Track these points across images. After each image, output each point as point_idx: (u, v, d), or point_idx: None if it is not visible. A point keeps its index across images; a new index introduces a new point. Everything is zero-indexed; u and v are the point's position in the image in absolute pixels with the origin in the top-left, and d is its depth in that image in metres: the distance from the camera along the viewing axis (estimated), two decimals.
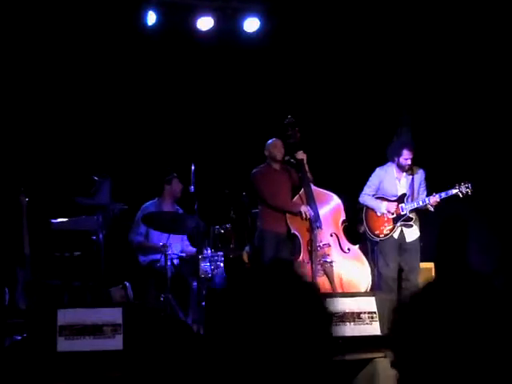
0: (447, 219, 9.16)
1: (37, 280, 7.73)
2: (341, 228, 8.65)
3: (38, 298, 7.56)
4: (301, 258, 8.45)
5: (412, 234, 8.41)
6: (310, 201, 8.51)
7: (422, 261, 8.54)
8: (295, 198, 8.69)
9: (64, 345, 6.08)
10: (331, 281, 8.28)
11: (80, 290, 8.09)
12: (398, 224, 8.37)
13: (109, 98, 9.67)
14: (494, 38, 9.32)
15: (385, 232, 8.44)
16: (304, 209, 8.43)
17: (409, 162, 8.35)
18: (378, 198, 8.52)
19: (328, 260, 8.34)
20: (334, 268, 8.34)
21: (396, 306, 2.06)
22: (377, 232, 8.51)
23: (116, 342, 6.12)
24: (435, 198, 8.20)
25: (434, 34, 9.59)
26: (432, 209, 8.30)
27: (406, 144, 8.41)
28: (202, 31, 9.31)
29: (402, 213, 8.34)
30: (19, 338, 6.72)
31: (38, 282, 7.73)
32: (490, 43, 9.35)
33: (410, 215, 8.35)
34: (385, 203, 8.42)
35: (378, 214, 8.46)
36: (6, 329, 6.58)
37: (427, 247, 8.70)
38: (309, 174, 8.63)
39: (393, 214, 8.36)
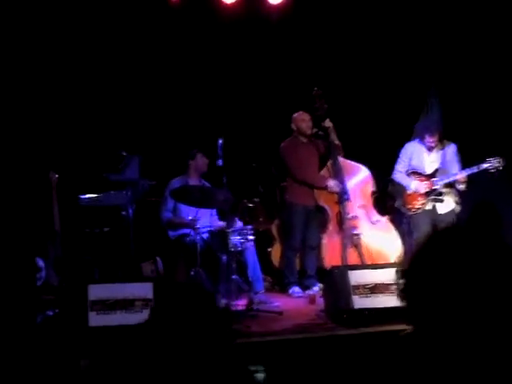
0: (478, 206, 9.04)
1: (67, 256, 7.78)
2: (370, 200, 8.63)
3: (68, 274, 7.61)
4: (329, 230, 8.44)
5: (444, 206, 8.36)
6: (338, 173, 8.49)
7: None
8: (323, 170, 8.68)
9: (96, 320, 6.14)
10: (360, 253, 8.27)
11: (111, 266, 8.13)
12: (430, 198, 8.33)
13: (137, 74, 9.66)
14: None
15: (417, 206, 8.41)
16: (330, 183, 8.42)
17: (433, 144, 8.38)
18: (410, 173, 8.47)
19: (356, 232, 8.33)
20: (362, 240, 8.33)
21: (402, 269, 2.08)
22: (409, 206, 8.48)
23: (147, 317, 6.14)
24: (462, 175, 8.16)
25: (463, 5, 9.45)
26: (462, 186, 8.24)
27: (427, 129, 8.39)
28: (226, 3, 9.23)
29: (434, 187, 8.30)
30: (51, 313, 6.77)
31: (68, 259, 7.78)
32: None
33: (442, 190, 8.30)
34: (415, 182, 8.39)
35: (409, 192, 8.43)
36: (38, 305, 6.62)
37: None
38: (337, 142, 8.62)
39: (424, 190, 8.34)
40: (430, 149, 8.40)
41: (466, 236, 1.99)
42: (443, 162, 8.35)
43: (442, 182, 8.28)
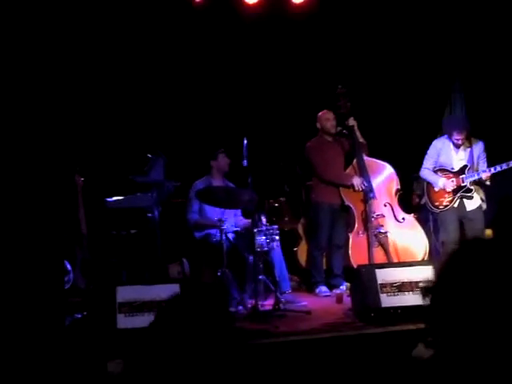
0: (504, 200, 8.98)
1: (95, 259, 7.81)
2: (395, 198, 8.59)
3: (96, 276, 7.64)
4: (355, 229, 8.42)
5: (472, 203, 8.30)
6: (363, 171, 8.47)
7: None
8: (348, 168, 8.67)
9: (124, 322, 6.15)
10: (386, 251, 8.24)
11: (138, 268, 8.16)
12: (458, 195, 8.27)
13: (161, 76, 9.69)
14: None
15: (444, 203, 8.33)
16: (356, 181, 8.40)
17: (460, 141, 8.29)
18: (438, 170, 8.40)
19: (382, 230, 8.30)
20: (388, 238, 8.30)
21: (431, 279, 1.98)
22: (436, 203, 8.38)
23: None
24: (487, 174, 8.12)
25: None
26: (488, 182, 8.21)
27: (455, 126, 8.33)
28: (248, 3, 9.23)
29: (463, 184, 8.24)
30: (80, 316, 6.81)
31: (95, 261, 7.81)
32: None
33: (470, 186, 8.24)
34: (442, 179, 8.31)
35: (436, 189, 8.37)
36: (66, 308, 6.66)
37: (491, 214, 8.57)
38: (361, 140, 8.60)
39: (451, 188, 8.27)
40: (457, 146, 8.34)
41: (496, 249, 1.92)
42: (471, 160, 8.29)
43: (470, 179, 8.22)
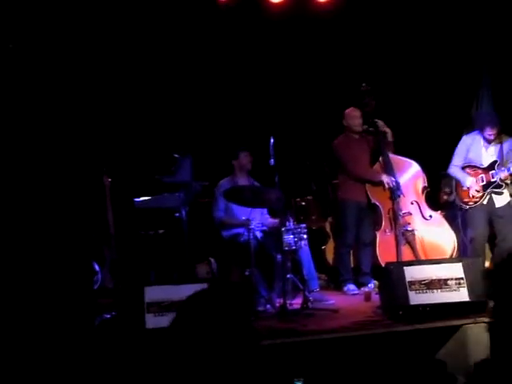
0: None
1: (123, 259, 7.85)
2: (422, 195, 8.55)
3: (124, 276, 7.68)
4: (382, 227, 8.39)
5: (502, 199, 8.23)
6: (389, 169, 8.44)
7: None
8: (375, 166, 8.64)
9: (152, 321, 6.17)
10: (414, 249, 8.20)
11: (166, 268, 8.18)
12: (488, 190, 8.19)
13: (187, 76, 9.71)
14: None
15: (474, 199, 8.25)
16: (386, 179, 8.36)
17: (492, 137, 8.21)
18: (466, 166, 8.33)
19: (409, 229, 8.27)
20: (416, 236, 8.26)
21: (488, 270, 2.01)
22: (466, 200, 8.28)
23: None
24: (505, 174, 8.07)
25: None
26: (508, 181, 8.16)
27: (488, 121, 8.25)
28: (273, 2, 9.24)
29: (493, 180, 8.17)
30: (109, 316, 6.85)
31: (124, 261, 7.85)
32: None
33: (501, 182, 8.17)
34: (470, 179, 8.23)
35: (464, 188, 8.30)
36: (95, 308, 6.70)
37: None
38: (390, 139, 8.55)
39: (476, 190, 8.21)
40: (489, 141, 8.27)
41: None
42: (500, 156, 8.22)
43: (500, 175, 8.15)
